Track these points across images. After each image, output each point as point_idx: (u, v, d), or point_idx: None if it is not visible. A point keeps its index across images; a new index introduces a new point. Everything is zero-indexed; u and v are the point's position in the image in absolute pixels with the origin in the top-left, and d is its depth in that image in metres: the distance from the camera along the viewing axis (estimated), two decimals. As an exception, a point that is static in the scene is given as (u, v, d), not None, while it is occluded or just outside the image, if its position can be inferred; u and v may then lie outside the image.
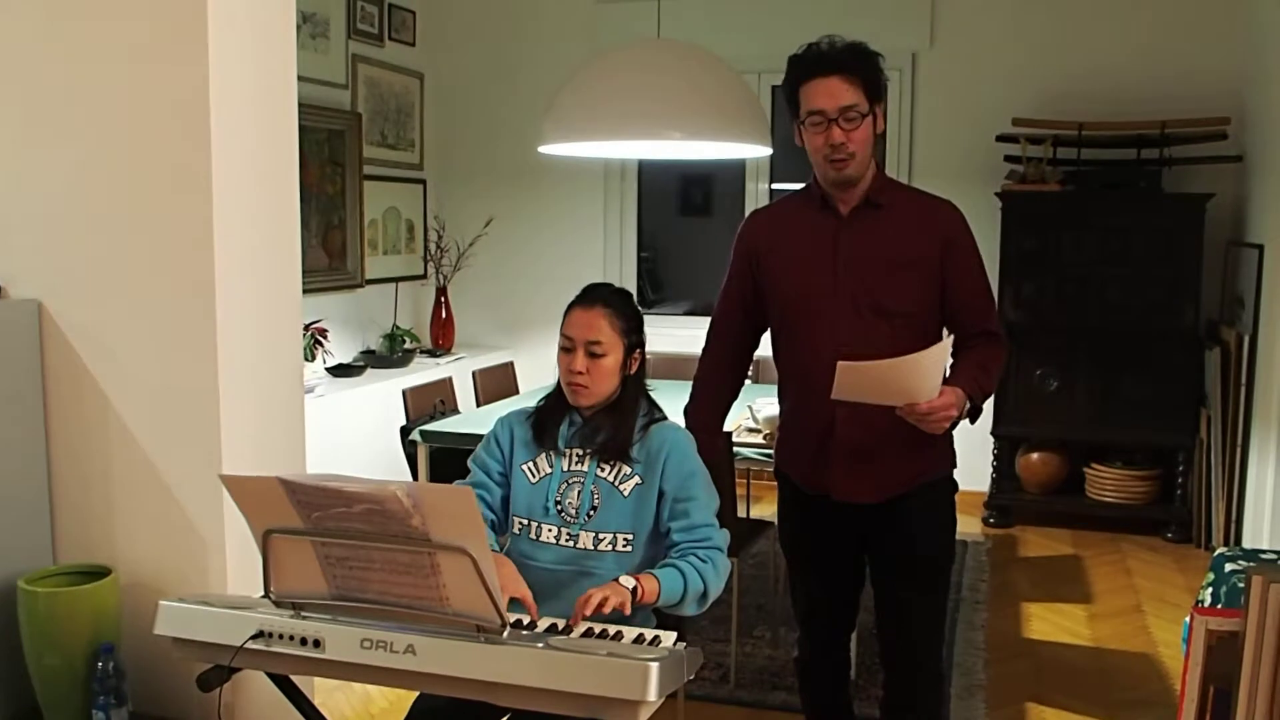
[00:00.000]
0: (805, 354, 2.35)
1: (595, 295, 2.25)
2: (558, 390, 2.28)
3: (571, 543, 2.18)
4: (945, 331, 2.36)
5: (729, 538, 2.21)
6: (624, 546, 2.17)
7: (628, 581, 2.01)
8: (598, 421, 2.23)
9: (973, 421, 2.29)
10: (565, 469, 2.23)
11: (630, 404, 2.24)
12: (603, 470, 2.21)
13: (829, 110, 2.21)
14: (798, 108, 2.28)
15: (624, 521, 2.18)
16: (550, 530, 2.20)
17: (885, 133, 5.52)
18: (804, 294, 2.34)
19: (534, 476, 2.24)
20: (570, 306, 2.25)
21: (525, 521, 2.22)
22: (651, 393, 2.32)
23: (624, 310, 2.25)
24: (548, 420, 2.27)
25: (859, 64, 2.23)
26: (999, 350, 2.35)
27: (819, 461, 2.37)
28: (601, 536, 2.18)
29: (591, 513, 2.19)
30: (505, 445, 2.29)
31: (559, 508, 2.20)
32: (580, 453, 2.23)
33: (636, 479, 2.19)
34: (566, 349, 2.22)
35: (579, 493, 2.20)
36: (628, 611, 1.97)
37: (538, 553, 2.20)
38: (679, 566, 2.10)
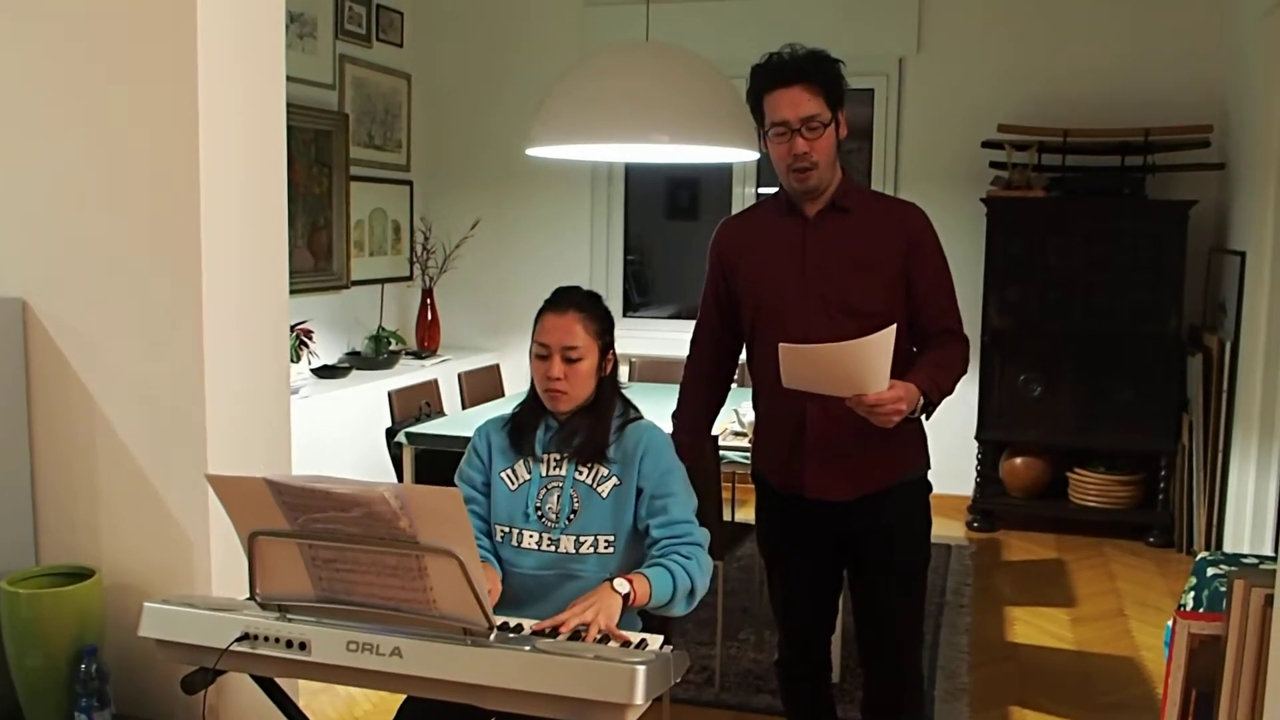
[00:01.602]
0: (775, 355, 2.36)
1: (567, 300, 2.24)
2: (532, 395, 2.28)
3: (553, 548, 2.18)
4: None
5: (709, 536, 2.21)
6: (605, 548, 2.17)
7: (621, 585, 1.99)
8: (574, 424, 2.23)
9: (927, 417, 2.29)
10: (544, 474, 2.22)
11: (606, 405, 2.25)
12: (580, 473, 2.20)
13: (792, 121, 2.24)
14: (763, 118, 2.30)
15: (604, 523, 2.18)
16: (531, 536, 2.19)
17: (872, 136, 5.64)
18: (774, 296, 2.36)
19: (513, 483, 2.24)
20: (541, 312, 2.24)
21: (506, 529, 2.22)
22: (624, 391, 2.32)
23: (596, 312, 2.25)
24: (524, 426, 2.27)
25: (820, 72, 2.25)
26: (959, 349, 2.35)
27: (792, 460, 2.38)
28: (583, 539, 2.17)
29: (571, 516, 2.19)
30: (484, 454, 2.28)
31: (539, 513, 2.20)
32: (557, 457, 2.23)
33: (614, 480, 2.19)
34: (542, 356, 2.21)
35: (558, 497, 2.20)
36: (615, 630, 1.90)
37: (520, 559, 2.20)
38: (666, 565, 2.09)
